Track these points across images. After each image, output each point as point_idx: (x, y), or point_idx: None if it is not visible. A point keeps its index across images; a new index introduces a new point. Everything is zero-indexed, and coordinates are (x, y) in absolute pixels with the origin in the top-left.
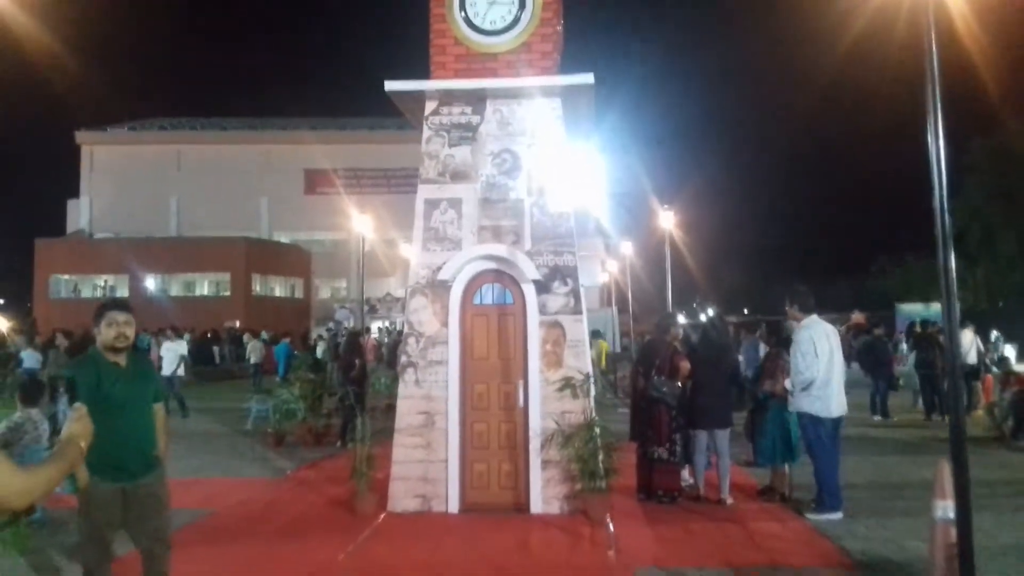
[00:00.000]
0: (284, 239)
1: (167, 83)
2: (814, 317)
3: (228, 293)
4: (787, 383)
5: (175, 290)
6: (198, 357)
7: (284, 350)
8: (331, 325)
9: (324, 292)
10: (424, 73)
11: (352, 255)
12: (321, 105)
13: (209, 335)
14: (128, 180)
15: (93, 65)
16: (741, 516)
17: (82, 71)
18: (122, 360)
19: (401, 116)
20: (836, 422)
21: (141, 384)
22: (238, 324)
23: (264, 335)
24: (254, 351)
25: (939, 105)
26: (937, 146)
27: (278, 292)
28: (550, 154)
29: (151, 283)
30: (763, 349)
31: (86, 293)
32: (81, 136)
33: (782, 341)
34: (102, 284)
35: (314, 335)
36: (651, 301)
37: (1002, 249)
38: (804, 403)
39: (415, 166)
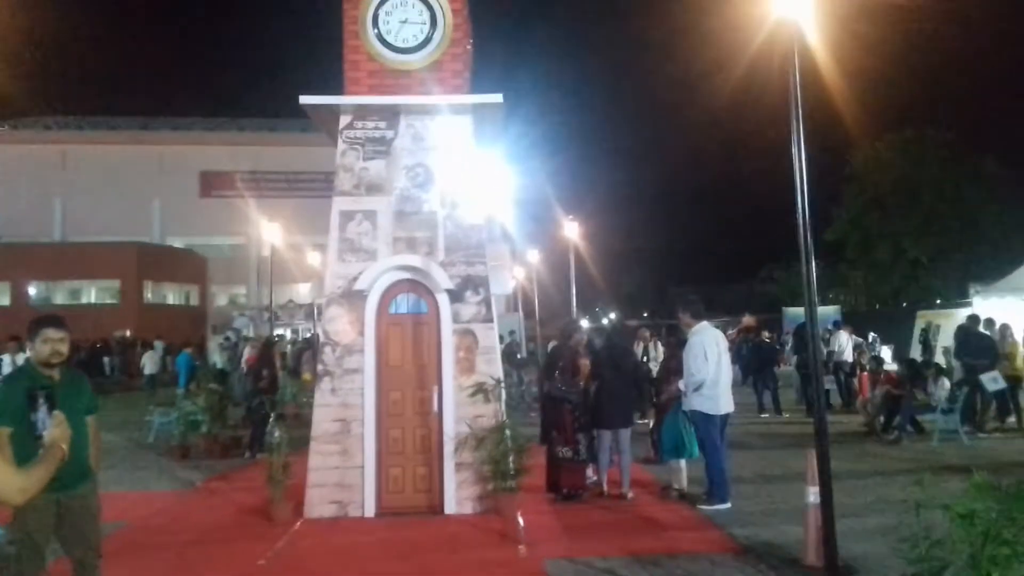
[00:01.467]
0: (178, 244)
1: (53, 79)
2: (704, 323)
3: (117, 301)
4: (680, 384)
5: (60, 298)
6: (87, 368)
7: (186, 360)
8: (229, 333)
9: (222, 299)
10: (329, 81)
11: (252, 261)
12: (219, 106)
13: (99, 345)
14: (8, 181)
15: None
16: (640, 509)
17: None
18: (56, 374)
19: (304, 118)
20: (724, 419)
21: (74, 398)
22: (128, 333)
23: (158, 344)
24: (149, 361)
25: (802, 133)
26: (800, 166)
27: (171, 300)
28: (462, 168)
29: (33, 291)
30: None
31: None
32: None
33: (680, 343)
34: None
35: (211, 344)
36: (556, 307)
37: (878, 256)
38: (696, 402)
39: (319, 170)
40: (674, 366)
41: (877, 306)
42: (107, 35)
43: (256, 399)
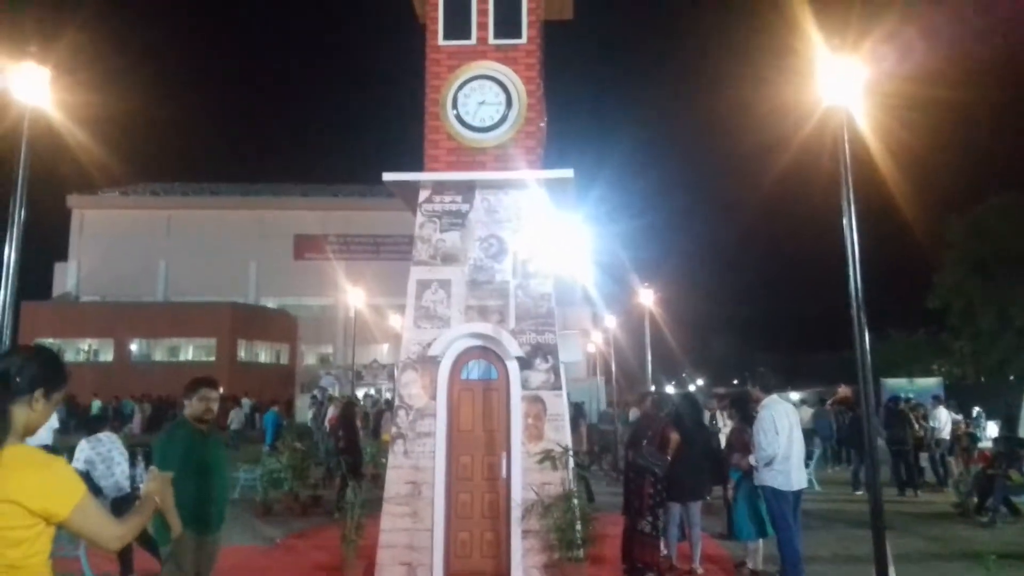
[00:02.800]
0: (271, 304)
1: (160, 149)
2: (774, 396)
3: (213, 358)
4: (751, 459)
5: (159, 355)
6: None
7: (272, 418)
8: (316, 392)
9: (310, 358)
10: (410, 149)
11: (339, 321)
12: (312, 172)
13: None
14: (117, 244)
15: (86, 129)
16: None
17: (74, 135)
18: (205, 429)
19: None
20: (797, 495)
21: (220, 450)
22: (222, 390)
23: (245, 402)
24: (235, 417)
25: (853, 218)
26: (852, 242)
27: (263, 358)
28: (534, 239)
29: (135, 347)
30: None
31: (69, 356)
32: (72, 200)
33: (746, 418)
34: (86, 348)
35: (299, 402)
36: (635, 372)
37: (983, 324)
38: (767, 477)
39: (404, 233)
40: (736, 440)
41: (982, 378)
42: (210, 108)
43: (334, 459)
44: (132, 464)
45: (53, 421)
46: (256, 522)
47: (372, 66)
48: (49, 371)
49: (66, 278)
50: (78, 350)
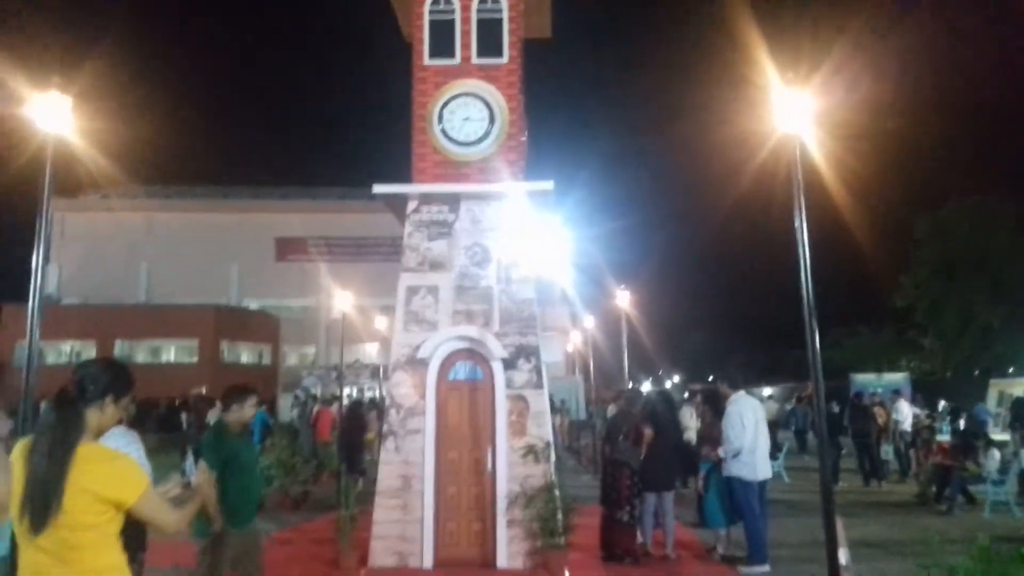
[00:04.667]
0: (253, 305)
1: (140, 152)
2: (741, 393)
3: (195, 360)
4: (720, 451)
5: (141, 356)
6: (165, 424)
7: (260, 417)
8: (299, 392)
9: (292, 359)
10: (393, 155)
11: (321, 322)
12: (292, 175)
13: (177, 402)
14: (99, 247)
15: (65, 131)
16: (682, 569)
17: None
18: (241, 432)
19: (371, 187)
20: (762, 484)
21: (255, 452)
22: (204, 391)
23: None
24: (213, 417)
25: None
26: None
27: (245, 358)
28: (516, 247)
29: (117, 349)
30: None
31: (51, 359)
32: (55, 203)
33: (716, 413)
34: (68, 350)
35: (281, 402)
36: (613, 370)
37: (947, 321)
38: (734, 468)
39: (385, 235)
40: (707, 433)
41: (948, 374)
42: (190, 111)
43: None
44: (183, 459)
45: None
46: None
47: (354, 72)
48: (118, 379)
49: (48, 281)
50: (60, 352)
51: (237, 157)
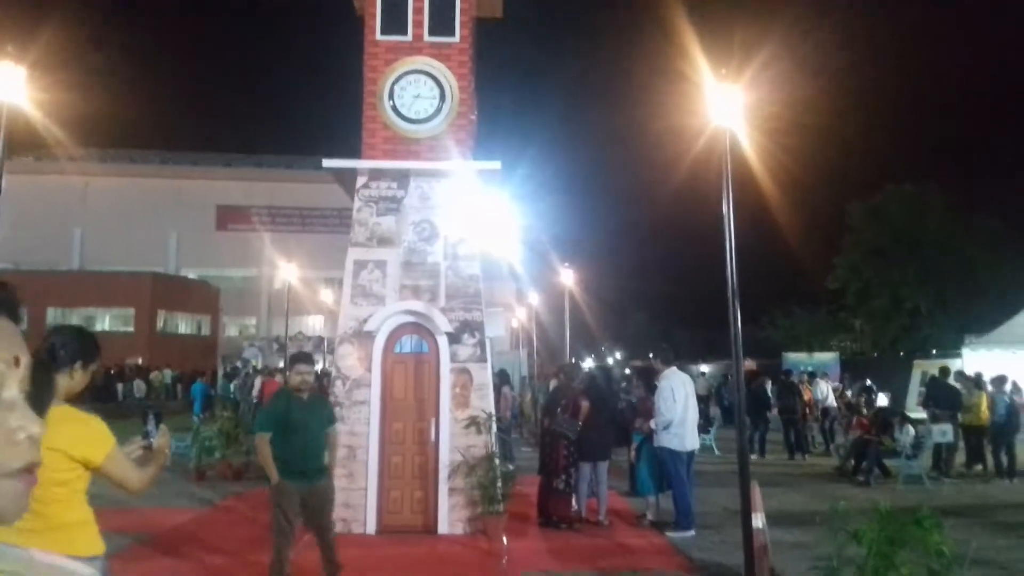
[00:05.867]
0: (193, 275)
1: (75, 114)
2: (673, 368)
3: (131, 329)
4: (651, 423)
5: (75, 324)
6: (100, 394)
7: (201, 388)
8: (238, 363)
9: (232, 329)
10: (338, 126)
11: (263, 292)
12: (237, 142)
13: (112, 372)
14: (31, 210)
15: (19, 100)
16: (613, 534)
17: None
18: (304, 396)
19: (318, 157)
20: (690, 455)
21: (317, 413)
22: (140, 361)
23: (167, 372)
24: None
25: (731, 208)
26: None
27: (183, 329)
28: (463, 224)
29: (50, 317)
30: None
31: None
32: None
33: (650, 387)
34: None
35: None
36: (556, 345)
37: (877, 303)
38: (664, 439)
39: (330, 207)
40: (641, 407)
41: (875, 354)
42: (131, 72)
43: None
44: (145, 423)
45: None
46: (192, 487)
47: (302, 40)
48: (86, 347)
49: None
50: None
51: (180, 122)
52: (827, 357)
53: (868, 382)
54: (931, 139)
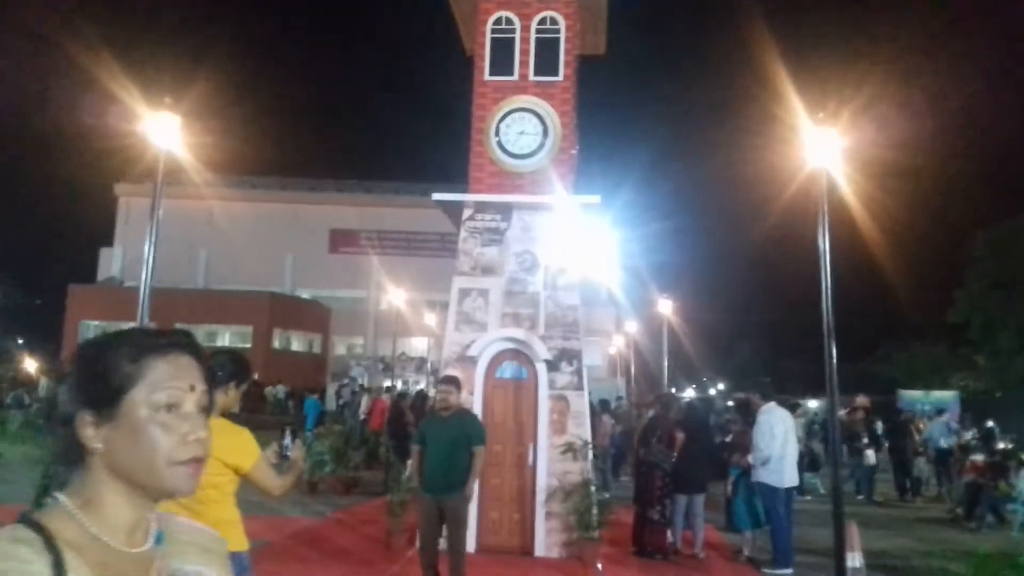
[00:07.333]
0: (306, 295)
1: (204, 143)
2: (772, 404)
3: (249, 345)
4: (749, 458)
5: (198, 340)
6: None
7: (314, 404)
8: (346, 381)
9: (340, 348)
10: (446, 153)
11: (370, 314)
12: (348, 169)
13: None
14: (163, 233)
15: (133, 121)
16: (709, 568)
17: (124, 125)
18: (446, 415)
19: (424, 183)
20: (789, 492)
21: (456, 430)
22: (256, 376)
23: (280, 388)
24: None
25: (827, 242)
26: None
27: (296, 346)
28: (563, 255)
29: None
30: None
31: None
32: (120, 188)
33: (749, 422)
34: None
35: (329, 391)
36: (655, 374)
37: (1002, 340)
38: (763, 475)
39: (435, 231)
40: (738, 441)
41: (999, 394)
42: (255, 105)
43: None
44: (282, 436)
45: None
46: (305, 499)
47: (413, 74)
48: (240, 369)
49: (111, 263)
50: None
51: (297, 150)
52: (947, 396)
53: (990, 423)
54: None
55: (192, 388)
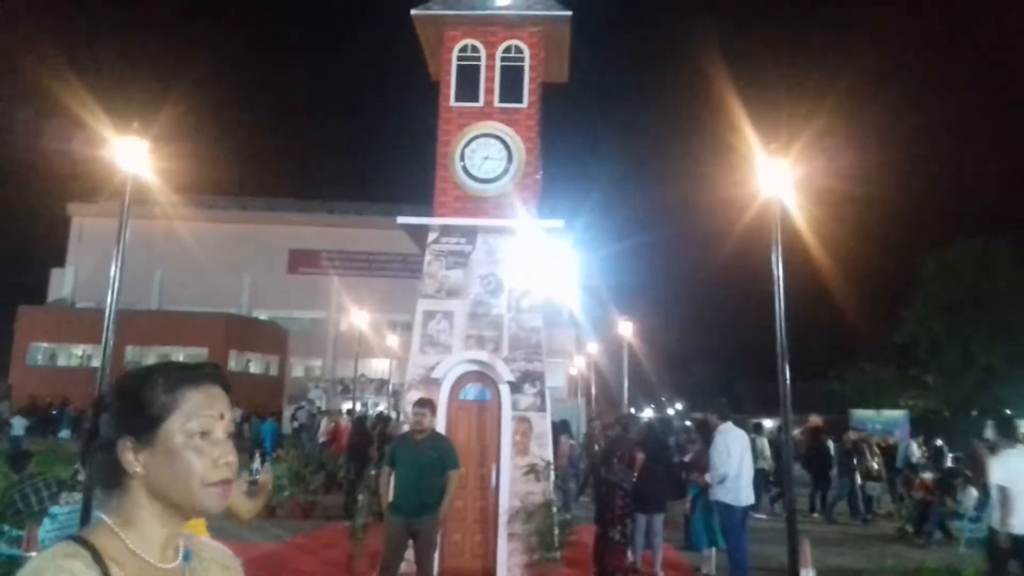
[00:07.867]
0: (263, 316)
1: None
2: (729, 424)
3: None
4: (707, 477)
5: (151, 362)
6: None
7: (271, 428)
8: (303, 404)
9: (298, 370)
10: (408, 173)
11: (329, 335)
12: (308, 189)
13: None
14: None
15: (88, 141)
16: None
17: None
18: (418, 437)
19: (387, 203)
20: (745, 510)
21: (430, 455)
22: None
23: (235, 411)
24: None
25: (782, 295)
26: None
27: (253, 368)
28: (527, 278)
29: (128, 355)
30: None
31: (62, 361)
32: (72, 208)
33: (707, 441)
34: (79, 353)
35: (285, 413)
36: (615, 395)
37: (948, 360)
38: (720, 494)
39: (396, 252)
40: (696, 461)
41: (947, 413)
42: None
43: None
44: (251, 460)
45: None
46: (264, 523)
47: (373, 99)
48: None
49: (63, 284)
50: (71, 355)
51: (257, 170)
52: (897, 415)
53: (939, 442)
54: (1000, 195)
55: (222, 416)
